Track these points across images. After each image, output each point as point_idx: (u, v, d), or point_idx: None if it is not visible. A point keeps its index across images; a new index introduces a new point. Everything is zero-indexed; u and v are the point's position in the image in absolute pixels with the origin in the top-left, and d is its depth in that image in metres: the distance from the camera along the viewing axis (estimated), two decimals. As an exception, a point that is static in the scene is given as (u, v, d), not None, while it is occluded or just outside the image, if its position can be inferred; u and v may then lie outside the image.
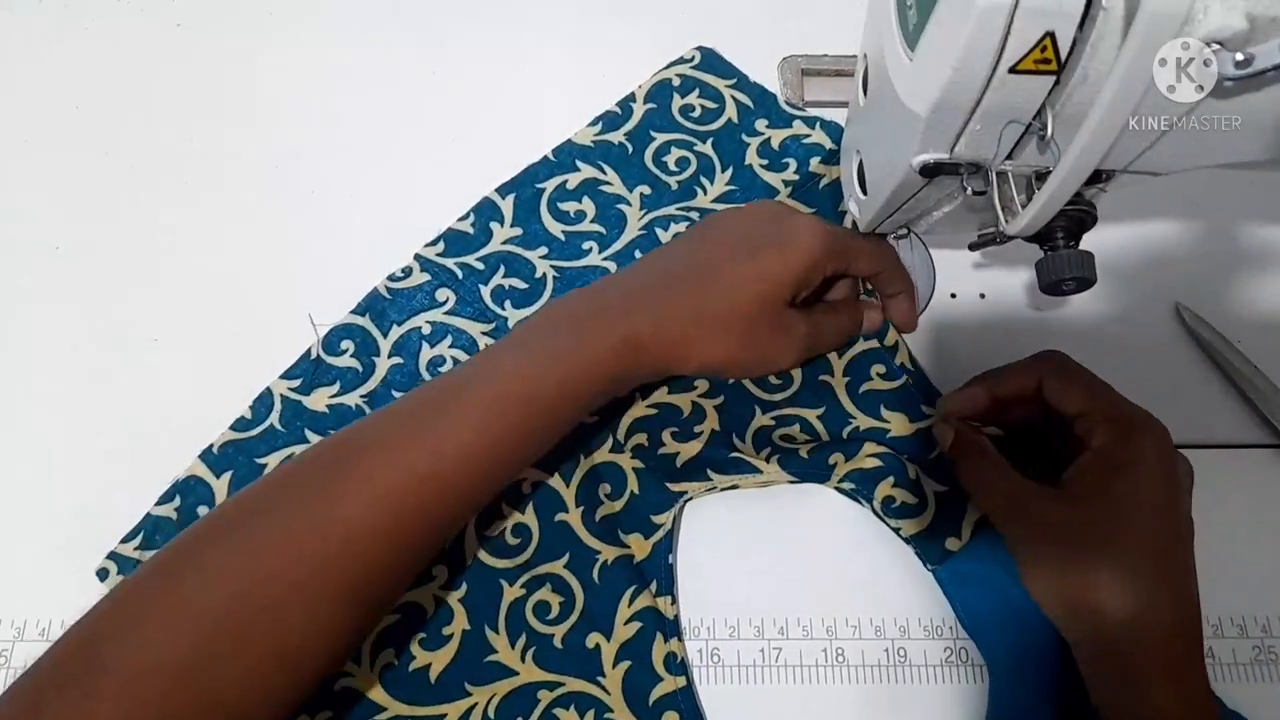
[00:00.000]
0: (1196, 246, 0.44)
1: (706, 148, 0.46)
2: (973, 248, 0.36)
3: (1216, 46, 0.24)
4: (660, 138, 0.46)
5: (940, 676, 0.36)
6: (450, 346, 0.41)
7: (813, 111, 0.47)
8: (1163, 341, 0.41)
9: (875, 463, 0.38)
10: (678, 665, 0.35)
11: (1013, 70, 0.26)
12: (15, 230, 0.45)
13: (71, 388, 0.42)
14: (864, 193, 0.37)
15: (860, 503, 0.38)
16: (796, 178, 0.44)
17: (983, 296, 0.43)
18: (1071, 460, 0.34)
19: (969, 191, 0.32)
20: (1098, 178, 0.30)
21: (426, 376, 0.41)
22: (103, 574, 0.37)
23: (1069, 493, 0.33)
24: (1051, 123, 0.28)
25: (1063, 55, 0.25)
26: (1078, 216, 0.32)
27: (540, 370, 0.32)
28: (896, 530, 0.37)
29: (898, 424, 0.39)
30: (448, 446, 0.31)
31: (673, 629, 0.36)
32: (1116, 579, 0.31)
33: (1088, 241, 0.32)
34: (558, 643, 0.35)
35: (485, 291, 0.42)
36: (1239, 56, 0.24)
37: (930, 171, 0.31)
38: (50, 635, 0.37)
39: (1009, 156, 0.30)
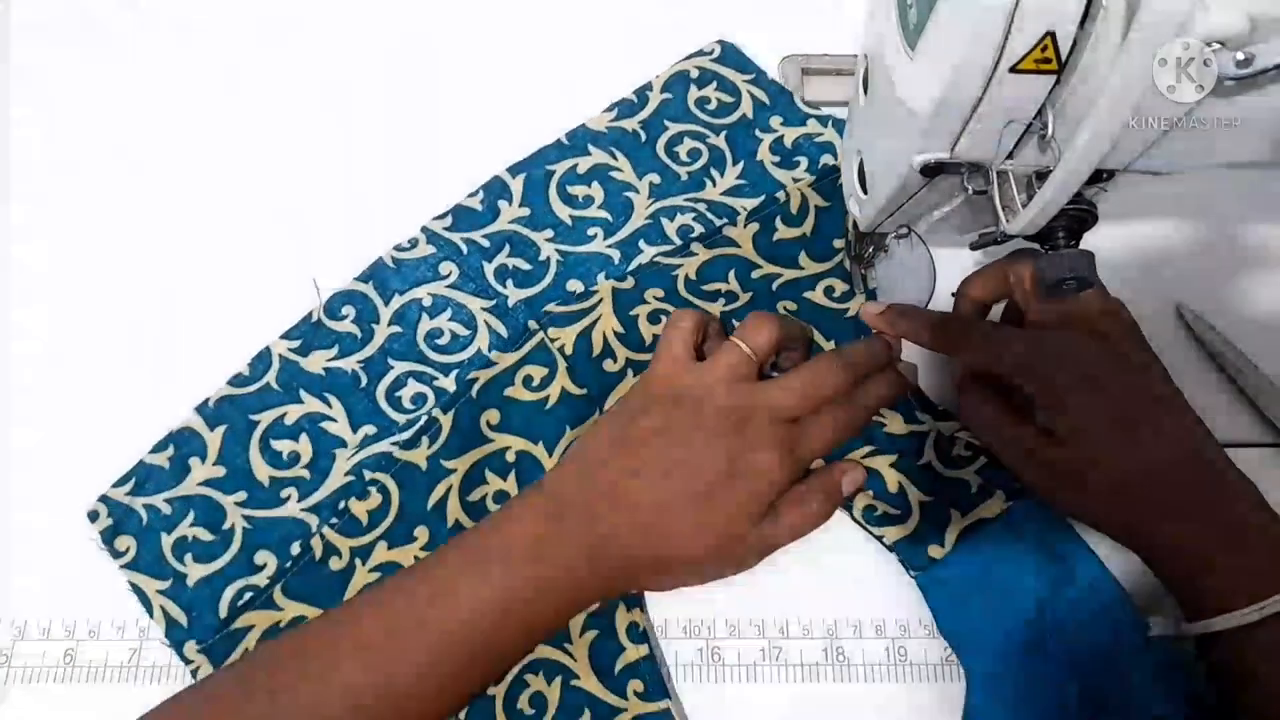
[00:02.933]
0: (1197, 246, 0.43)
1: (719, 140, 0.46)
2: (973, 247, 0.36)
3: (1217, 46, 0.24)
4: (674, 128, 0.46)
5: (940, 675, 0.36)
6: (450, 320, 0.42)
7: (813, 111, 0.46)
8: (1163, 341, 0.40)
9: None
10: (639, 634, 0.35)
11: (1013, 70, 0.26)
12: (23, 189, 0.46)
13: (71, 381, 0.42)
14: (864, 192, 0.36)
15: (841, 508, 0.38)
16: (807, 175, 0.44)
17: None
18: None
19: (970, 191, 0.32)
20: (1098, 177, 0.30)
21: (424, 348, 0.41)
22: (93, 515, 0.38)
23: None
24: (1052, 122, 0.28)
25: (1063, 55, 0.25)
26: (1078, 216, 0.32)
27: (503, 607, 0.32)
28: (880, 538, 0.37)
29: (894, 423, 0.39)
30: (400, 681, 0.31)
31: (634, 601, 0.36)
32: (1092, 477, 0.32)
33: (1088, 241, 0.32)
34: None
35: (489, 269, 0.43)
36: (1239, 56, 0.24)
37: (931, 171, 0.31)
38: (51, 635, 0.37)
39: (1010, 156, 0.30)
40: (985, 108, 0.27)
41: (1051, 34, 0.25)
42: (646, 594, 0.37)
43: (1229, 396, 0.40)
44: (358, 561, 0.37)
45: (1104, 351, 0.33)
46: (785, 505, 0.35)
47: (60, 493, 0.39)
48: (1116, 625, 0.35)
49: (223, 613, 0.36)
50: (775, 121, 0.46)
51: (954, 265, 0.42)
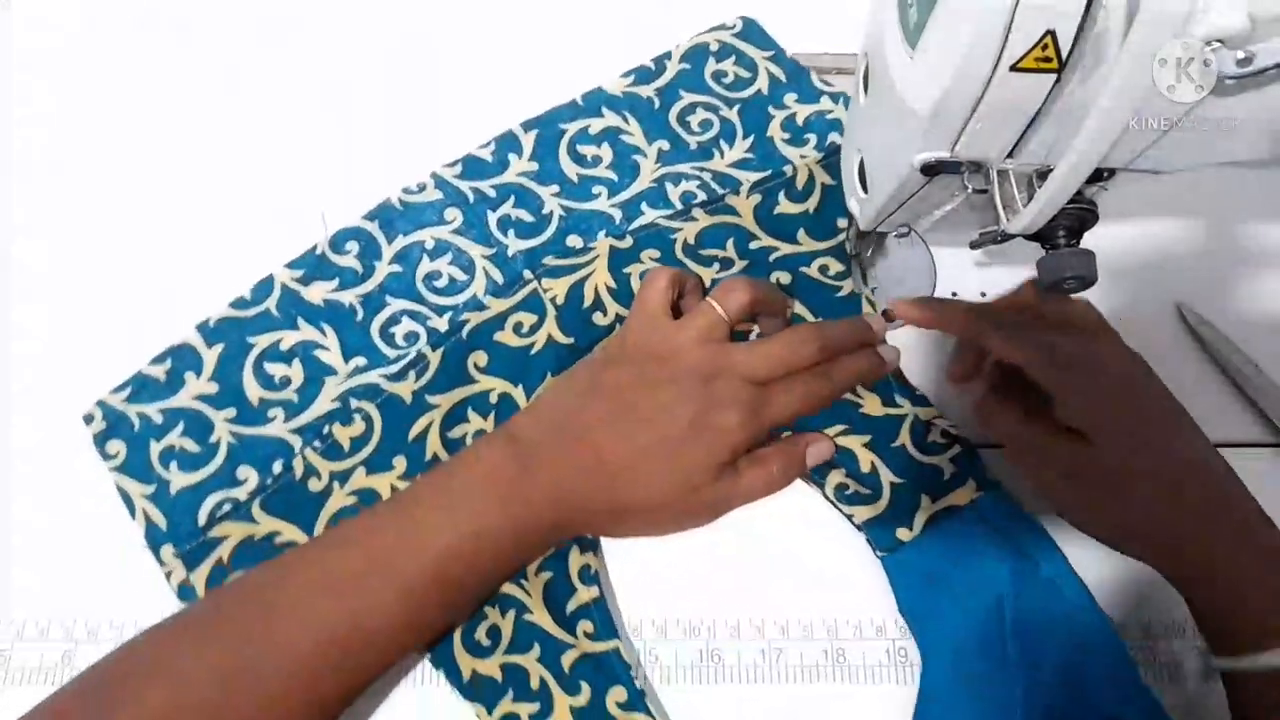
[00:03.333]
0: (1198, 245, 0.43)
1: (731, 114, 0.46)
2: (974, 246, 0.35)
3: (1217, 45, 0.24)
4: (688, 97, 0.47)
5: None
6: (450, 263, 0.43)
7: (827, 88, 0.47)
8: (1164, 341, 0.41)
9: None
10: (591, 576, 0.36)
11: (1014, 68, 0.26)
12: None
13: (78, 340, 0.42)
14: (864, 191, 0.36)
15: (813, 485, 0.38)
16: (815, 153, 0.45)
17: (984, 295, 0.42)
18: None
19: (970, 190, 0.32)
20: (1099, 176, 0.30)
21: (422, 288, 0.42)
22: (88, 418, 0.39)
23: (1066, 425, 0.33)
24: (1053, 120, 0.28)
25: (1064, 54, 0.25)
26: (1079, 215, 0.31)
27: (471, 547, 0.33)
28: (849, 517, 0.37)
29: (871, 403, 0.39)
30: (371, 617, 0.31)
31: (588, 544, 0.36)
32: (1139, 491, 0.31)
33: (1089, 240, 0.32)
34: None
35: (492, 218, 0.43)
36: (1240, 55, 0.24)
37: (931, 170, 0.31)
38: (49, 635, 0.37)
39: (1010, 155, 0.30)
40: (986, 107, 0.27)
41: (1052, 33, 0.25)
42: (649, 590, 0.37)
43: (1229, 396, 0.40)
44: (336, 484, 0.38)
45: (1132, 358, 0.33)
46: (747, 465, 0.36)
47: (61, 491, 0.39)
48: (1077, 622, 0.35)
49: (201, 521, 0.37)
50: (790, 99, 0.47)
51: (954, 264, 0.43)
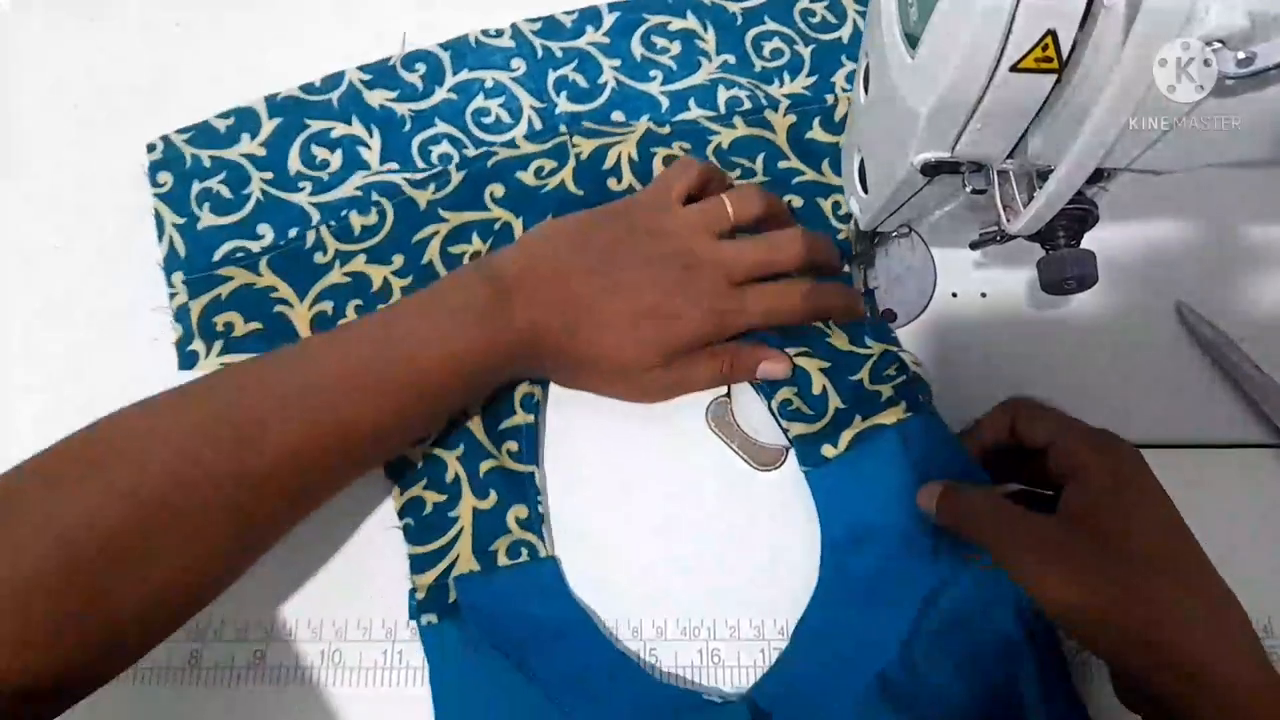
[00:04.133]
0: (1198, 245, 0.43)
1: (805, 51, 0.47)
2: (974, 246, 0.36)
3: (1218, 45, 0.24)
4: (770, 25, 0.48)
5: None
6: (501, 106, 0.45)
7: None
8: (1164, 340, 0.41)
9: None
10: (532, 404, 0.38)
11: (1014, 69, 0.26)
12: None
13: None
14: (865, 191, 0.37)
15: (760, 396, 0.40)
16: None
17: (984, 295, 0.43)
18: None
19: (970, 190, 0.32)
20: (1099, 176, 0.30)
21: (469, 120, 0.45)
22: (151, 147, 0.43)
23: (1076, 515, 0.31)
24: (1053, 121, 0.28)
25: (1064, 54, 0.26)
26: (1079, 215, 0.32)
27: (449, 361, 0.34)
28: (785, 431, 0.39)
29: (839, 338, 0.40)
30: (356, 418, 0.33)
31: (541, 381, 0.39)
32: (1171, 592, 0.29)
33: (1089, 240, 0.32)
34: None
35: (551, 76, 0.46)
36: (1240, 55, 0.25)
37: (931, 170, 0.31)
38: None
39: (1010, 154, 0.30)
40: (986, 107, 0.28)
41: (1052, 33, 0.25)
42: (649, 590, 0.37)
43: (1229, 396, 0.40)
44: (337, 262, 0.41)
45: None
46: (703, 356, 0.37)
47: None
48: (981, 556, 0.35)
49: (215, 258, 0.41)
50: (864, 51, 0.47)
51: (954, 264, 0.43)
